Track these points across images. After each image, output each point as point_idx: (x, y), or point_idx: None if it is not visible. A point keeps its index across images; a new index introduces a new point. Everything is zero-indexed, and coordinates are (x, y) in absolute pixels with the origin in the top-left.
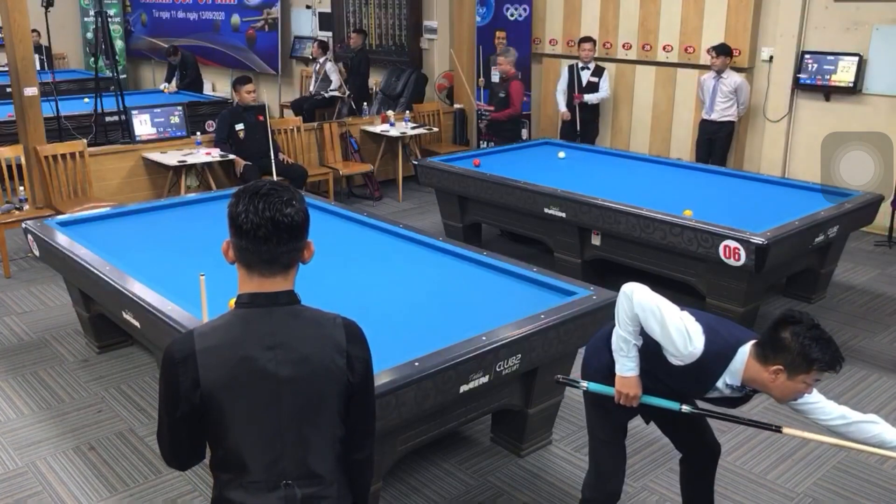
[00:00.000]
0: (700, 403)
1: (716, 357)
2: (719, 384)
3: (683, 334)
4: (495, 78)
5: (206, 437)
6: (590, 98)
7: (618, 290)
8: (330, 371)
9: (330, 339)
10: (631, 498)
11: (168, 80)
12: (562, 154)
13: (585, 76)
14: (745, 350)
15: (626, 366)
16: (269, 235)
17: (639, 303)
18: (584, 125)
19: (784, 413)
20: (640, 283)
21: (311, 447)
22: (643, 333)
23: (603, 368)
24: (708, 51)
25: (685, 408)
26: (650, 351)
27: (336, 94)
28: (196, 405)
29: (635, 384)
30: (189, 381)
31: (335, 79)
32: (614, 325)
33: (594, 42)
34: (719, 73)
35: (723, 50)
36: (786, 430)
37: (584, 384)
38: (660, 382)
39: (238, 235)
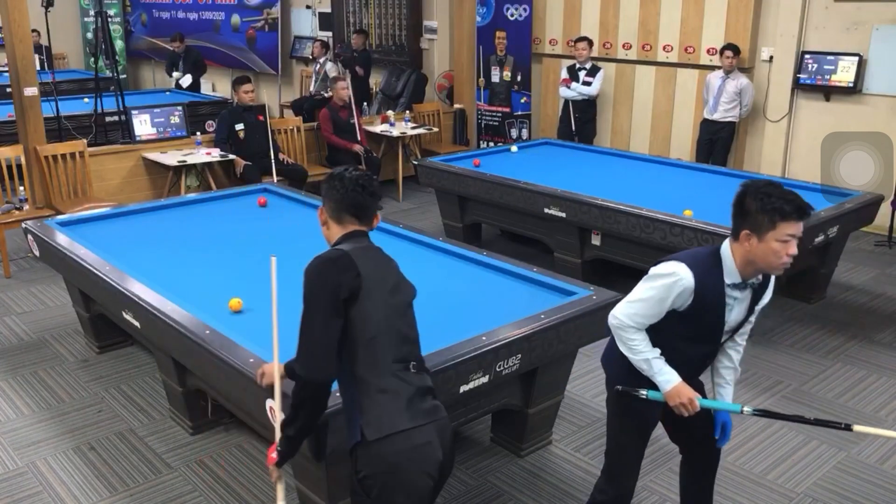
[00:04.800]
0: (753, 404)
1: (706, 266)
2: (728, 292)
3: (658, 287)
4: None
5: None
6: (576, 87)
7: (618, 290)
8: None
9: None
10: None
11: (172, 71)
12: (514, 149)
13: (582, 75)
14: (726, 244)
15: (664, 378)
16: None
17: (615, 318)
18: (580, 125)
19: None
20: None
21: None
22: (653, 329)
23: (623, 368)
24: (722, 50)
25: (747, 409)
26: (656, 326)
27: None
28: (355, 292)
29: (683, 390)
30: (350, 270)
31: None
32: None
33: (589, 42)
34: (727, 73)
35: (737, 50)
36: (856, 427)
37: (644, 392)
38: (683, 345)
39: None
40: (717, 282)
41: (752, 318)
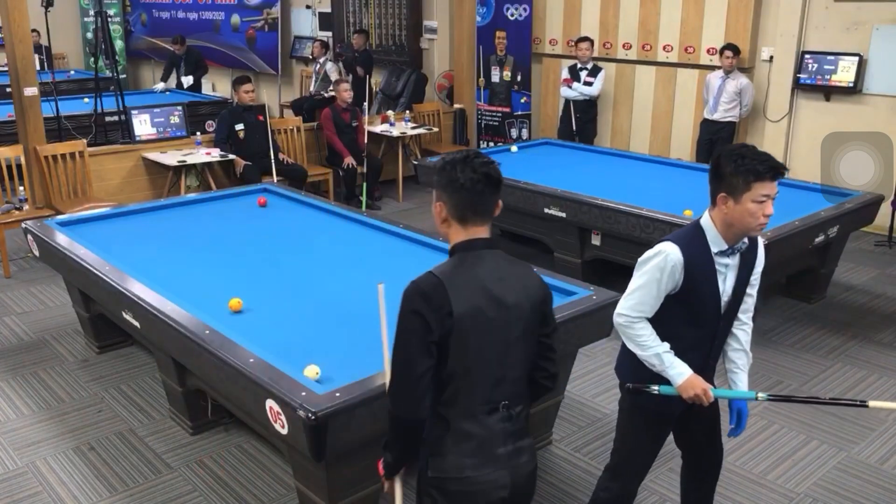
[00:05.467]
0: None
1: (690, 239)
2: (717, 260)
3: (649, 269)
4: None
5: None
6: (577, 87)
7: (618, 290)
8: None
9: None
10: None
11: (164, 79)
12: (514, 149)
13: (583, 75)
14: (705, 214)
15: (675, 372)
16: (484, 189)
17: (619, 314)
18: (581, 125)
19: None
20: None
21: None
22: (655, 320)
23: (637, 371)
24: (722, 50)
25: (761, 395)
26: (658, 316)
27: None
28: (446, 333)
29: (696, 382)
30: (442, 309)
31: (335, 79)
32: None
33: (591, 42)
34: (727, 73)
35: (737, 50)
36: (871, 403)
37: (656, 388)
38: (687, 329)
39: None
40: (704, 252)
41: (753, 292)
